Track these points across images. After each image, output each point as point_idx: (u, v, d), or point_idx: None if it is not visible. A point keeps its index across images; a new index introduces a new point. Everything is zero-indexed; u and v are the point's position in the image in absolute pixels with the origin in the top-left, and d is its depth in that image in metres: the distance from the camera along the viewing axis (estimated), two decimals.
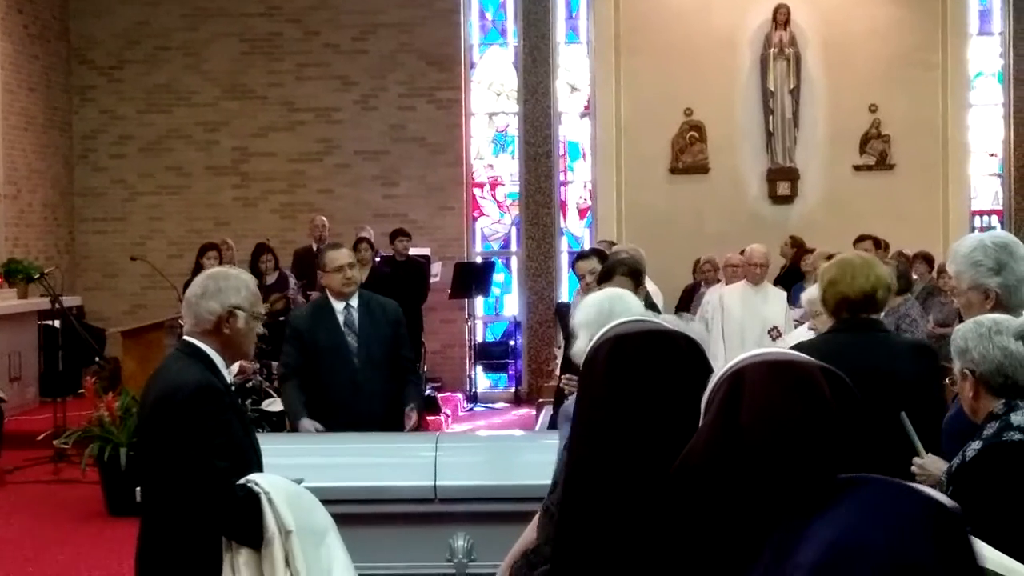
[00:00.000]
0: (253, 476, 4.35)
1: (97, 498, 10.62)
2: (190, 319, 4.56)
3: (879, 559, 2.18)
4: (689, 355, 2.82)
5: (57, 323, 14.49)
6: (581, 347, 4.66)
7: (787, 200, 17.69)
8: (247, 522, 4.23)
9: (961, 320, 4.66)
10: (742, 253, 11.99)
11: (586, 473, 2.72)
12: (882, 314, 10.64)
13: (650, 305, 7.33)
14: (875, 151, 17.71)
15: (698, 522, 2.42)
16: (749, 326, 10.54)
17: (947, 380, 4.35)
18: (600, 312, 4.61)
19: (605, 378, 2.76)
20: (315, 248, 15.45)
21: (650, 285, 8.19)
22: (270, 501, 4.24)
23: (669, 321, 3.14)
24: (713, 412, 2.45)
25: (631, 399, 2.71)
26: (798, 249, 14.73)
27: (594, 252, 9.58)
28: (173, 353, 4.65)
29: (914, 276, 12.34)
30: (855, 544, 2.20)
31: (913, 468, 4.49)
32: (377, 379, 7.24)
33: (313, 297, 12.15)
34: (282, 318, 11.08)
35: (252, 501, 4.23)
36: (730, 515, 2.36)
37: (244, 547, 4.24)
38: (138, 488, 4.63)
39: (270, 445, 4.83)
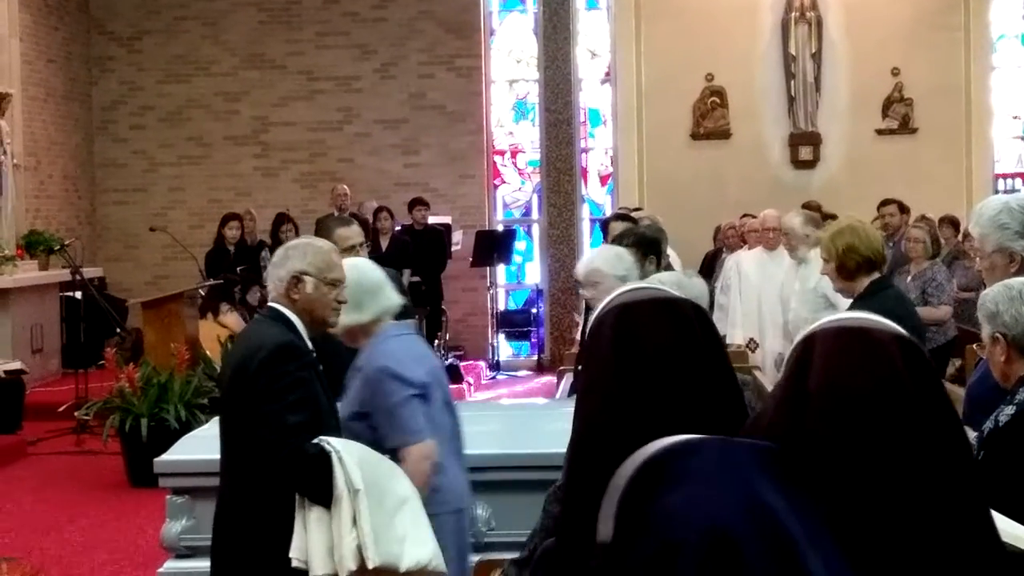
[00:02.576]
0: (326, 436, 4.41)
1: (119, 469, 10.65)
2: (269, 287, 4.77)
3: (749, 527, 2.17)
4: (696, 322, 2.78)
5: (79, 295, 14.51)
6: (370, 311, 5.03)
7: (809, 165, 17.58)
8: (317, 479, 4.30)
9: (984, 284, 4.60)
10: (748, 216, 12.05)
11: (592, 445, 2.68)
12: (908, 278, 10.69)
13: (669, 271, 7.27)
14: (897, 115, 17.57)
15: None
16: (766, 291, 10.50)
17: (974, 345, 4.29)
18: (373, 276, 5.07)
19: (611, 347, 2.71)
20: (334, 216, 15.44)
21: (670, 251, 8.14)
22: (340, 460, 4.31)
23: (671, 279, 3.12)
24: (783, 376, 2.41)
25: (638, 368, 2.66)
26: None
27: (626, 217, 9.66)
28: (256, 318, 4.85)
29: (941, 241, 12.25)
30: (725, 518, 2.18)
31: None
32: None
33: None
34: None
35: (323, 459, 4.31)
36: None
37: (316, 505, 4.32)
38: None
39: None
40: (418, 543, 4.42)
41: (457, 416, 5.05)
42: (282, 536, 4.33)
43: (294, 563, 4.31)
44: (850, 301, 6.20)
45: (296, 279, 4.60)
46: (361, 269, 5.11)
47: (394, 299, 5.10)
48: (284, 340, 4.49)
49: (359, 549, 4.28)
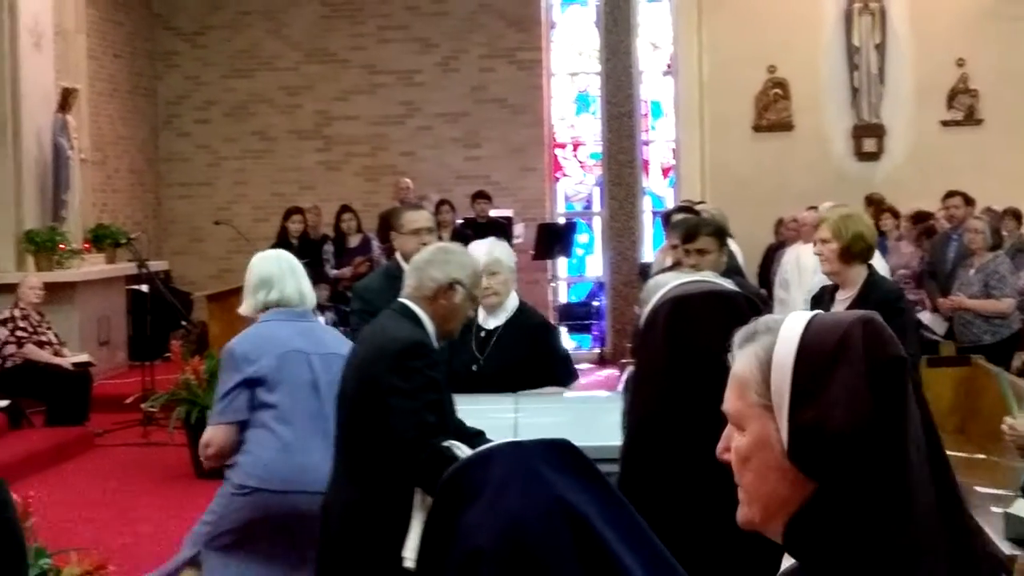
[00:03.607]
0: (454, 441, 4.37)
1: (184, 460, 10.75)
2: (412, 282, 4.66)
3: (548, 521, 2.22)
4: (750, 315, 2.80)
5: (145, 288, 14.65)
6: (248, 306, 5.45)
7: (873, 157, 17.43)
8: None
9: None
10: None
11: (648, 435, 2.70)
12: (971, 271, 10.60)
13: (732, 265, 7.26)
14: (963, 106, 17.39)
15: None
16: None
17: None
18: (252, 274, 5.47)
19: (665, 340, 2.74)
20: None
21: (731, 244, 8.13)
22: None
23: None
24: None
25: (692, 361, 2.68)
26: (876, 207, 14.55)
27: (689, 209, 9.68)
28: (386, 312, 4.74)
29: (1004, 233, 12.12)
30: (522, 518, 2.22)
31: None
32: None
33: None
34: None
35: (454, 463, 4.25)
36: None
37: None
38: None
39: None
40: None
41: (324, 399, 5.13)
42: (397, 533, 4.28)
43: (407, 563, 4.25)
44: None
45: (451, 286, 4.60)
46: (252, 264, 5.52)
47: (286, 293, 5.37)
48: (417, 338, 4.48)
49: None
